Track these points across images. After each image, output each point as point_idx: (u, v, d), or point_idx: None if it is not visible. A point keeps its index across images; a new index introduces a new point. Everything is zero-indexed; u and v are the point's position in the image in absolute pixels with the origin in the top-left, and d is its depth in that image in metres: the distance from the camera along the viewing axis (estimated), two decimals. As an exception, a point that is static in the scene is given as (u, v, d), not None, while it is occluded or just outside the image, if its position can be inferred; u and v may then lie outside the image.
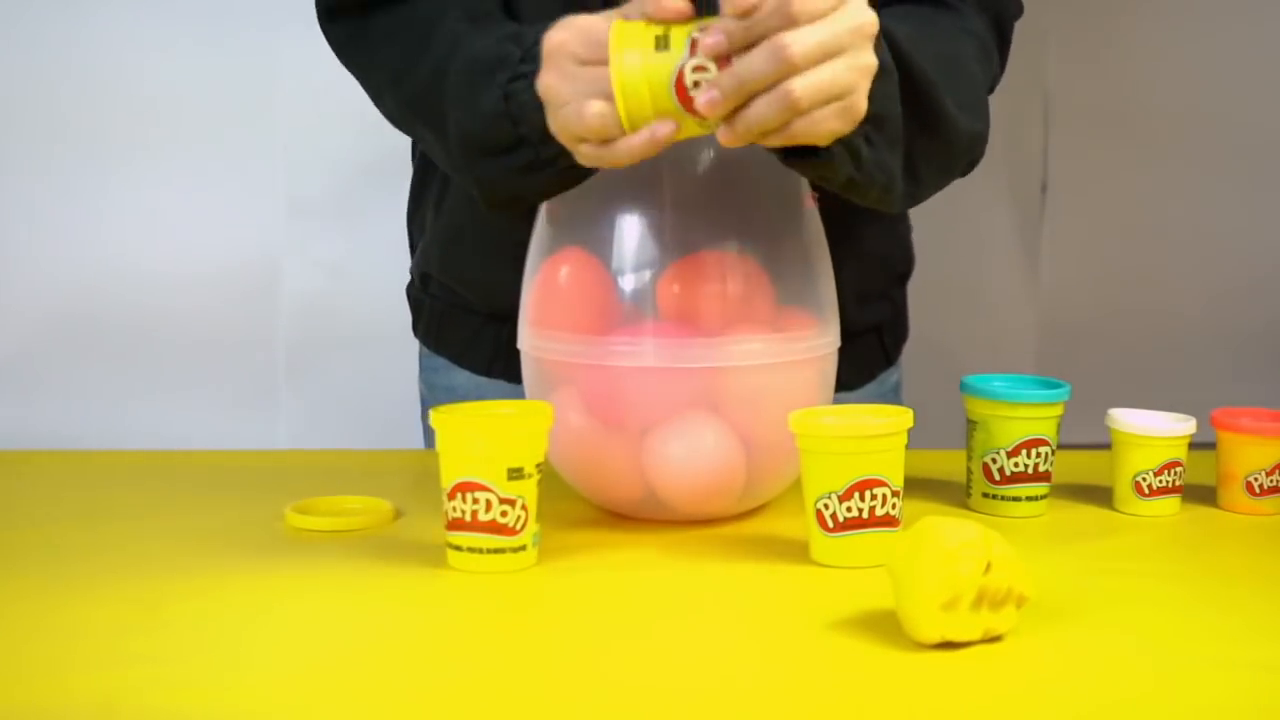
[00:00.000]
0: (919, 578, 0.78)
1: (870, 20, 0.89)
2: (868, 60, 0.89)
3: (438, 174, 1.22)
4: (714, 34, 0.86)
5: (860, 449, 0.94)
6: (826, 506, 0.94)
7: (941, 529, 0.80)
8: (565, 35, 0.92)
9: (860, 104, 0.89)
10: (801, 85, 0.86)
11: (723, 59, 0.86)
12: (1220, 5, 2.25)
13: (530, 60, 0.94)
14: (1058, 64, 2.21)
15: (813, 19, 0.86)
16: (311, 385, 2.07)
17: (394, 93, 1.09)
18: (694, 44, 0.87)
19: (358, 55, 1.12)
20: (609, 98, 0.88)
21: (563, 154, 0.94)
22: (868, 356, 1.26)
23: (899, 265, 1.29)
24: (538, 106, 0.93)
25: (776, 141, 0.89)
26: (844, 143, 0.92)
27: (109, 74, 1.95)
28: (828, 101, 0.87)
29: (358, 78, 1.13)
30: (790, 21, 0.85)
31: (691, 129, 0.90)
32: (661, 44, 0.87)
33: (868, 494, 0.94)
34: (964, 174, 1.11)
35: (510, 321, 1.08)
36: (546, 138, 0.94)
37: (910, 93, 0.99)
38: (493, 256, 1.16)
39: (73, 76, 1.94)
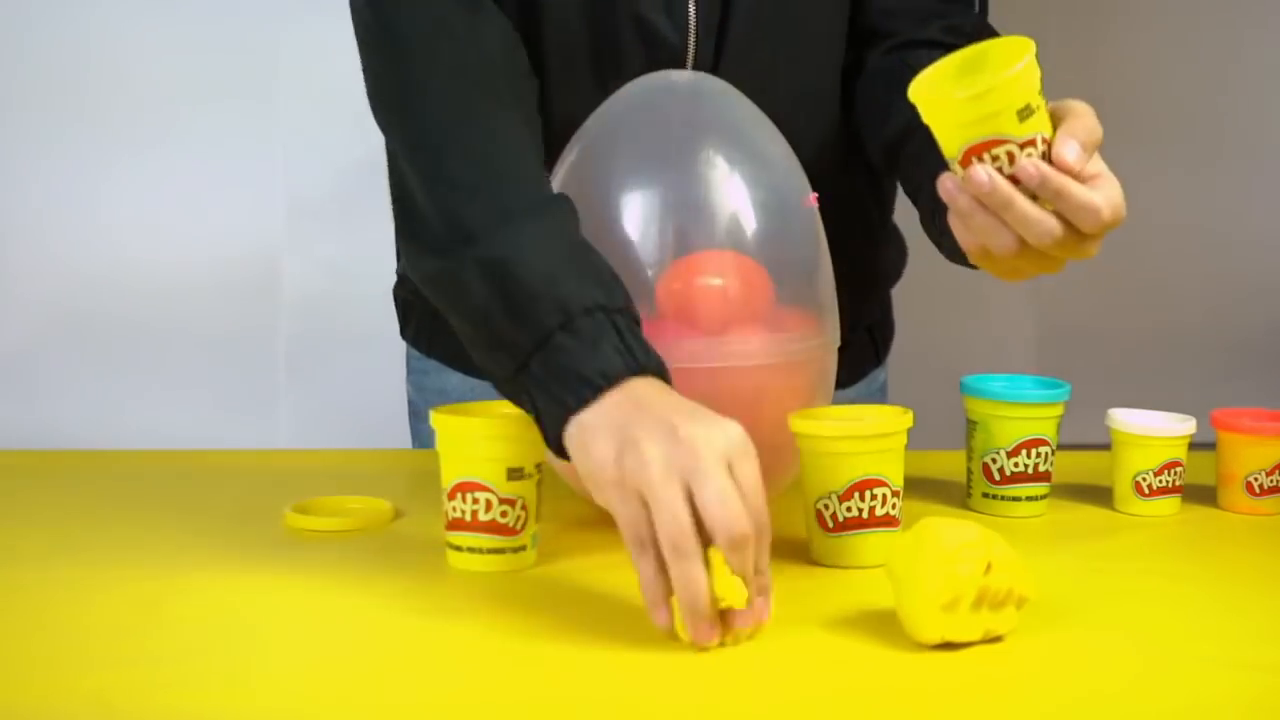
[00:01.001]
0: (919, 578, 0.78)
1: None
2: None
3: None
4: (1033, 167, 0.87)
5: (860, 449, 0.94)
6: (826, 506, 0.94)
7: (941, 530, 0.80)
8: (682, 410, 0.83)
9: (1026, 278, 0.95)
10: (1017, 253, 0.89)
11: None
12: (1219, 5, 2.25)
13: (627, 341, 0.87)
14: (1055, 66, 2.21)
15: (1092, 235, 0.89)
16: (311, 385, 2.07)
17: (411, 167, 0.98)
18: (1027, 143, 0.88)
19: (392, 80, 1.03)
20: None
21: (543, 385, 0.86)
22: (858, 354, 1.26)
23: (896, 263, 1.30)
24: (598, 372, 0.84)
25: (955, 228, 0.93)
26: None
27: (109, 74, 1.95)
28: (1018, 270, 0.92)
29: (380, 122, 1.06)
30: (1080, 224, 0.88)
31: (942, 139, 0.90)
32: (1024, 114, 0.88)
33: (868, 494, 0.94)
34: None
35: None
36: (552, 379, 0.86)
37: None
38: None
39: (73, 77, 1.94)
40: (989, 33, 1.16)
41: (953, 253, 0.99)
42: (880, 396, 1.31)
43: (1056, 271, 0.93)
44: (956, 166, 0.90)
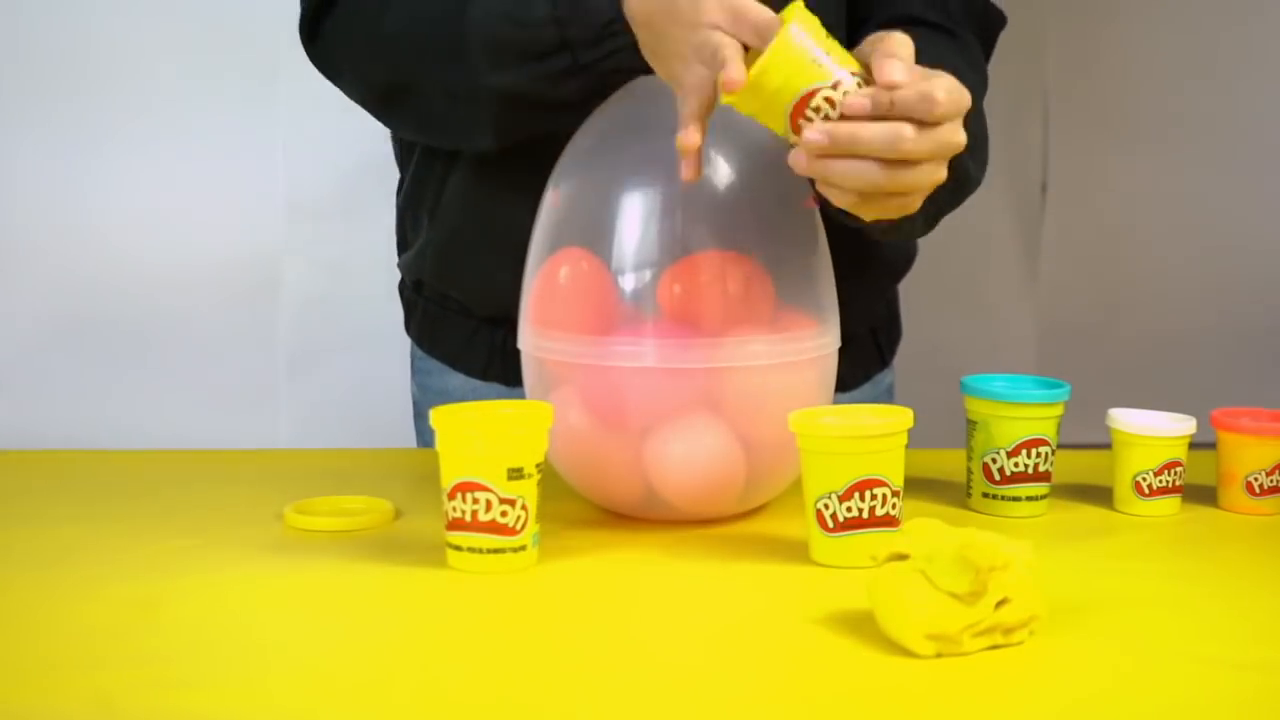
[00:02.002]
0: (905, 626, 0.78)
1: (962, 138, 0.92)
2: (945, 172, 0.93)
3: (431, 180, 1.22)
4: (858, 99, 0.88)
5: (860, 449, 0.94)
6: (826, 506, 0.94)
7: (914, 587, 0.79)
8: None
9: (918, 204, 0.94)
10: (890, 179, 0.89)
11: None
12: (1220, 5, 2.25)
13: None
14: (1057, 64, 2.21)
15: (941, 121, 0.89)
16: (311, 385, 2.07)
17: (392, 44, 1.09)
18: (836, 84, 0.89)
19: (351, 29, 1.12)
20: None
21: (602, 59, 0.99)
22: (863, 357, 1.26)
23: (900, 269, 1.30)
24: (606, 13, 0.97)
25: (830, 195, 0.93)
26: None
27: (108, 74, 1.95)
28: (903, 195, 0.91)
29: (329, 61, 1.14)
30: (925, 115, 0.88)
31: (769, 124, 0.92)
32: (819, 59, 0.89)
33: (868, 494, 0.94)
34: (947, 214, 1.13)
35: (507, 325, 1.08)
36: (591, 43, 0.99)
37: (956, 163, 1.01)
38: (491, 257, 1.16)
39: (72, 78, 1.94)
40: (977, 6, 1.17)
41: (842, 215, 0.99)
42: (887, 398, 1.31)
43: (935, 182, 0.93)
44: (795, 139, 0.91)
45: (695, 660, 0.79)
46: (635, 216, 1.00)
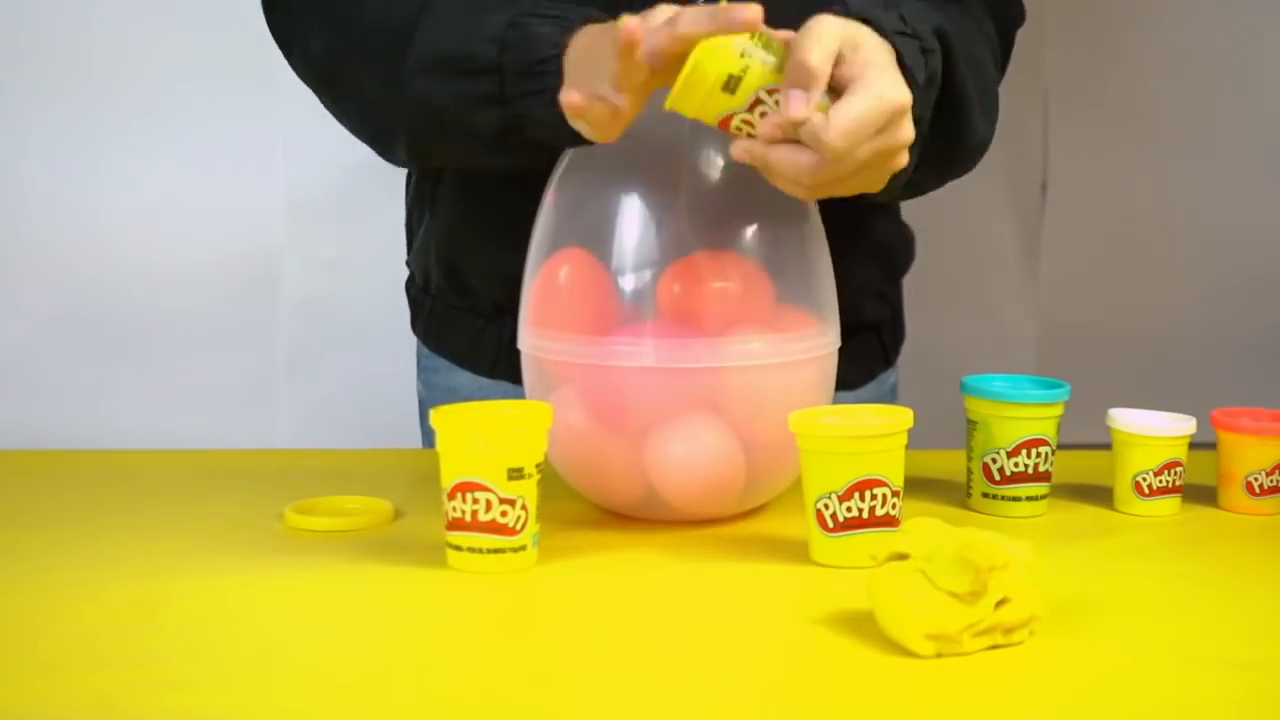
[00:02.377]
0: (905, 626, 0.78)
1: (907, 134, 0.92)
2: (898, 142, 0.92)
3: (429, 173, 1.22)
4: (769, 122, 0.90)
5: (860, 449, 0.94)
6: (826, 506, 0.94)
7: (915, 588, 0.79)
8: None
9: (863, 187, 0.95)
10: (816, 180, 0.91)
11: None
12: (1220, 4, 2.25)
13: (562, 18, 0.97)
14: (1058, 64, 2.21)
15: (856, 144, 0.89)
16: (311, 385, 2.07)
17: (339, 28, 1.08)
18: (755, 102, 0.90)
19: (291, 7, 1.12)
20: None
21: (525, 95, 0.97)
22: (867, 355, 1.26)
23: (901, 257, 1.29)
24: (548, 43, 0.95)
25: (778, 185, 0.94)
26: None
27: (108, 74, 1.95)
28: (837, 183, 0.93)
29: (283, 30, 1.13)
30: (819, 150, 0.89)
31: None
32: (730, 86, 0.90)
33: (868, 494, 0.94)
34: (959, 175, 1.12)
35: (513, 316, 1.08)
36: (521, 73, 0.96)
37: (950, 105, 1.02)
38: (493, 241, 1.15)
39: (72, 77, 1.94)
40: None
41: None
42: (891, 398, 1.31)
43: (891, 168, 0.94)
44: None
45: (695, 660, 0.79)
46: (635, 217, 1.00)
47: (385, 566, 0.94)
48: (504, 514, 0.92)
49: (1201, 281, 2.30)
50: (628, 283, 1.00)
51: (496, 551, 0.92)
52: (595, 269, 1.00)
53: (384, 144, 1.12)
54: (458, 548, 0.93)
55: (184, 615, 0.86)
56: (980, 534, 0.79)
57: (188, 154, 1.98)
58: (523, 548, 0.93)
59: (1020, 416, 1.08)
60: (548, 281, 1.03)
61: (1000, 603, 0.78)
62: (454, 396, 1.21)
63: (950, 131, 1.04)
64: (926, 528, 0.82)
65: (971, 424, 1.10)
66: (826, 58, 0.89)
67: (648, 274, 0.99)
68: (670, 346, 0.98)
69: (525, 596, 0.90)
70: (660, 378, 0.98)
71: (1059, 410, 1.09)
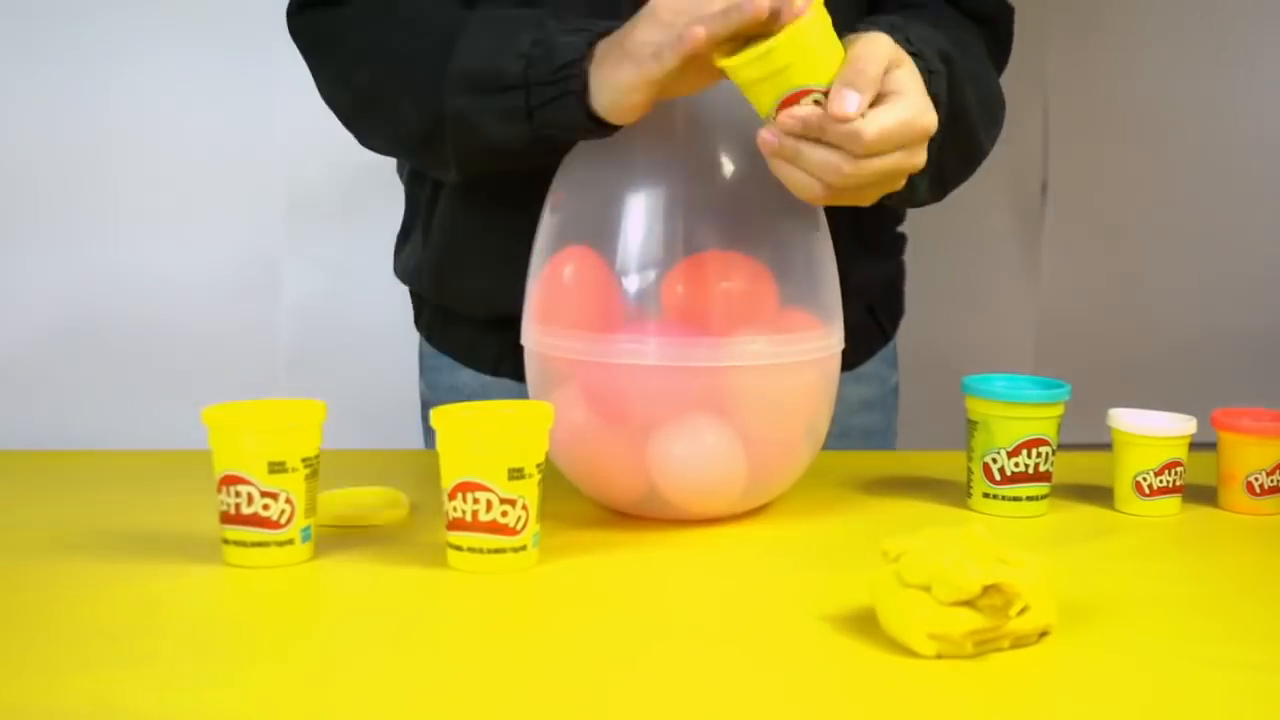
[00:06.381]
0: (907, 626, 0.78)
1: (921, 159, 0.95)
2: (915, 163, 0.95)
3: (423, 199, 1.22)
4: (797, 115, 0.92)
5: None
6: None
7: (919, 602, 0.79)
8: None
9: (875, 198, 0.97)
10: (840, 180, 0.93)
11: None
12: (1220, 5, 2.25)
13: (587, 30, 0.99)
14: (1058, 64, 2.21)
15: (878, 154, 0.92)
16: (311, 385, 2.06)
17: (373, 60, 1.09)
18: (801, 93, 0.92)
19: (330, 33, 1.13)
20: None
21: (549, 102, 0.98)
22: (863, 334, 1.24)
23: (888, 228, 1.29)
24: (572, 50, 0.98)
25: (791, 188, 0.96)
26: None
27: (108, 74, 1.95)
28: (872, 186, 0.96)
29: (319, 60, 1.14)
30: (854, 151, 0.92)
31: (755, 99, 0.94)
32: (788, 76, 0.92)
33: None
34: (956, 187, 1.13)
35: (515, 324, 1.08)
36: (546, 83, 0.98)
37: (959, 131, 1.04)
38: (490, 267, 1.16)
39: (71, 78, 1.94)
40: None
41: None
42: (892, 399, 1.30)
43: (892, 187, 0.96)
44: (771, 121, 0.94)
45: (697, 660, 0.79)
46: (639, 216, 1.00)
47: (386, 566, 0.94)
48: (504, 514, 0.92)
49: (1201, 281, 2.30)
50: (632, 281, 1.00)
51: (497, 551, 0.92)
52: (600, 267, 1.00)
53: (416, 159, 1.14)
54: (458, 548, 0.93)
55: (184, 615, 0.86)
56: (973, 539, 0.80)
57: (188, 154, 1.97)
58: (523, 548, 0.93)
59: (1020, 416, 1.08)
60: (553, 278, 1.03)
61: (1021, 610, 0.78)
62: (457, 395, 1.21)
63: (954, 148, 1.05)
64: (918, 554, 0.81)
65: (972, 424, 1.10)
66: (882, 73, 0.93)
67: (653, 273, 0.99)
68: (674, 345, 0.98)
69: (526, 597, 0.90)
70: (664, 376, 0.98)
71: (1059, 410, 1.09)
